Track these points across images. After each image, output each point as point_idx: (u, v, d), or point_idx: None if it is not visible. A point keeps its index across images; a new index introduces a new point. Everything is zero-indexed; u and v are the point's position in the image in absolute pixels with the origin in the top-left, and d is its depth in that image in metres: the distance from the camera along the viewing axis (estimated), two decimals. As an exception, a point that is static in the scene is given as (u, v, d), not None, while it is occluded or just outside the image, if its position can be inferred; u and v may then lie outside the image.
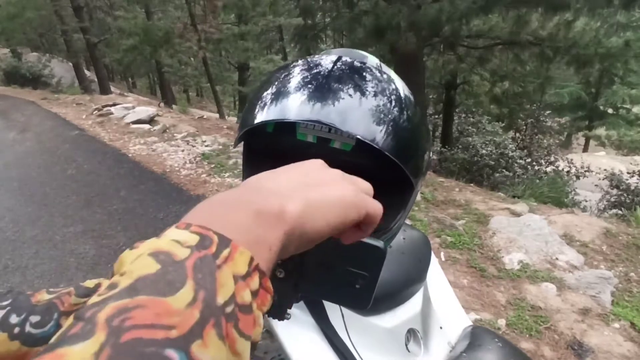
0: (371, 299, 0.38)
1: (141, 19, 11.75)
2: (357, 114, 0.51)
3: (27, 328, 0.43)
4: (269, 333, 1.25)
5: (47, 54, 16.02)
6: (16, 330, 0.43)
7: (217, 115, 11.34)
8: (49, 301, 0.45)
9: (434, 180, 4.58)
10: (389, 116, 0.53)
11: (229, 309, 0.19)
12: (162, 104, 10.57)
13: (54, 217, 3.47)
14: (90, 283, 0.48)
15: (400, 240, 0.78)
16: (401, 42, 5.68)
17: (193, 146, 5.36)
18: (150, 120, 6.69)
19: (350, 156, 0.56)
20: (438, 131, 9.89)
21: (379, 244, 0.36)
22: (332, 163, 0.52)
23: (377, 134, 0.50)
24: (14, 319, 0.43)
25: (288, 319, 0.44)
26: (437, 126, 10.03)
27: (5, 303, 0.44)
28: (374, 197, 0.32)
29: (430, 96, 10.81)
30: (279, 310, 0.44)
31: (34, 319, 0.44)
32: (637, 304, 2.25)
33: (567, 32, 6.37)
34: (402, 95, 0.56)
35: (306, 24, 10.37)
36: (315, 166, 0.31)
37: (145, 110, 7.01)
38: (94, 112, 7.43)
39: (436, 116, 10.46)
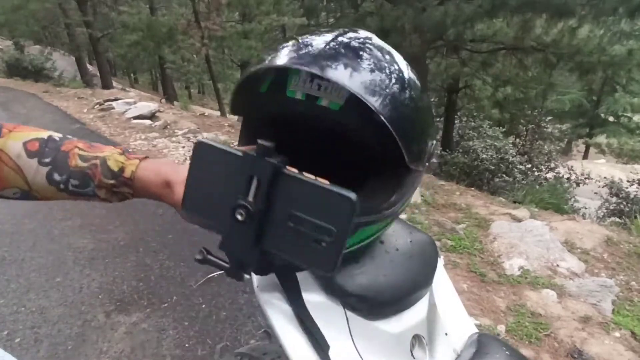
0: (337, 261, 0.34)
1: (145, 15, 11.77)
2: (354, 71, 0.48)
3: (70, 187, 0.49)
4: (268, 334, 1.23)
5: (50, 47, 16.01)
6: (61, 186, 0.49)
7: (219, 113, 11.33)
8: (82, 170, 0.49)
9: (435, 183, 4.56)
10: (390, 85, 0.51)
11: None
12: (163, 100, 10.57)
13: (52, 210, 3.45)
14: (114, 165, 0.49)
15: (407, 243, 0.76)
16: (405, 44, 5.67)
17: (194, 143, 5.34)
18: (152, 116, 6.68)
19: (339, 116, 0.53)
20: (439, 134, 9.88)
21: (350, 194, 0.32)
22: (320, 123, 0.49)
23: (373, 96, 0.48)
24: (57, 176, 0.48)
25: (242, 280, 0.42)
26: (438, 129, 10.02)
27: (47, 160, 0.48)
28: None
29: (432, 99, 10.82)
30: (238, 266, 0.40)
31: (74, 182, 0.49)
32: (638, 313, 2.23)
33: (571, 39, 6.38)
34: (407, 75, 0.55)
35: (310, 23, 10.37)
36: None
37: (147, 106, 7.00)
38: (96, 107, 7.42)
39: (437, 119, 10.45)
